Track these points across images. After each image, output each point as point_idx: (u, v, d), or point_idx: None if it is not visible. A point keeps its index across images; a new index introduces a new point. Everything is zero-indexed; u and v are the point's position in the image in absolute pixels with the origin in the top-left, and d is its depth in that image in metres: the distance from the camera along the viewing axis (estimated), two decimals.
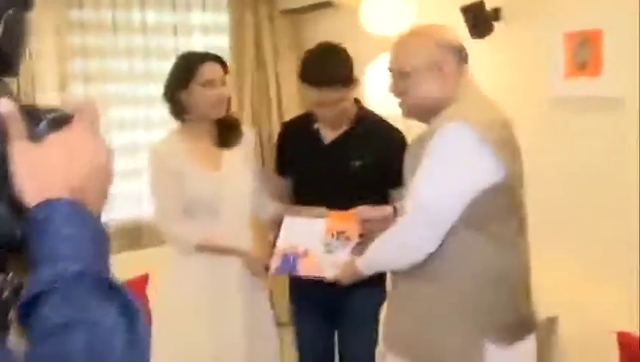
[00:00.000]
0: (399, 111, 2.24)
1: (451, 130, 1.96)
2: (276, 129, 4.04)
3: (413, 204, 2.01)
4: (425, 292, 2.07)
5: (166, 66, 3.92)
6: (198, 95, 2.52)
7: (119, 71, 3.95)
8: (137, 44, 4.00)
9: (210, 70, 2.53)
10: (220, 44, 4.17)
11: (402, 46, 2.14)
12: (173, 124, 3.93)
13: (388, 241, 2.11)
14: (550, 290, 2.55)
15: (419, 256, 2.01)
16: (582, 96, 2.70)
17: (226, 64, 2.62)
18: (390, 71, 2.17)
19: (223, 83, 2.56)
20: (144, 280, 3.22)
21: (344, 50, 2.60)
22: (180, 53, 3.92)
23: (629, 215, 2.56)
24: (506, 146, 2.01)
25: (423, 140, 2.06)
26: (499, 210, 2.02)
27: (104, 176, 0.83)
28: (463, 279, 2.02)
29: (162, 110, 3.91)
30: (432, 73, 2.08)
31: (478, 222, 2.00)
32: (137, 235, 3.93)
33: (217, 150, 2.62)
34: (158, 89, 3.92)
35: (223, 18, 4.20)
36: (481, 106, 2.07)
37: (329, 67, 2.50)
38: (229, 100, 2.61)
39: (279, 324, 3.04)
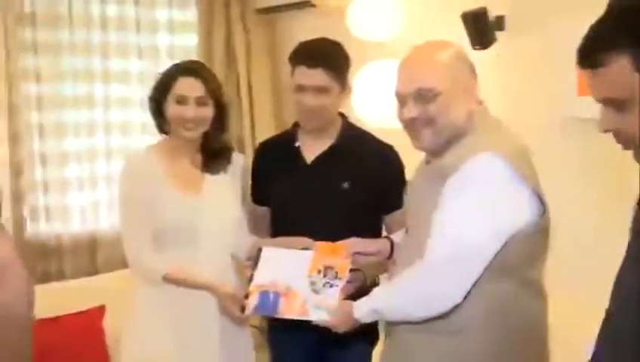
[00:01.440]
0: (390, 125, 1.96)
1: (483, 162, 1.71)
2: (247, 137, 3.77)
3: (441, 247, 1.74)
4: (440, 347, 1.82)
5: (126, 65, 3.70)
6: (169, 111, 2.31)
7: (75, 69, 3.58)
8: (96, 41, 3.64)
9: (183, 86, 2.29)
10: (187, 43, 3.87)
11: (425, 62, 1.84)
12: (136, 129, 3.69)
13: (407, 288, 1.83)
14: (568, 343, 2.26)
15: (445, 306, 1.75)
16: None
17: (211, 81, 2.34)
18: (405, 94, 1.84)
19: (200, 102, 2.29)
20: (100, 312, 2.89)
21: (341, 45, 2.39)
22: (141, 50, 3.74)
23: None
24: (536, 179, 1.75)
25: (440, 172, 1.79)
26: (533, 254, 1.79)
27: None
28: (490, 334, 1.77)
29: (122, 113, 3.69)
30: (460, 95, 1.80)
31: (510, 268, 1.76)
32: (93, 251, 3.56)
33: (199, 173, 2.37)
34: (118, 90, 3.68)
35: (191, 15, 3.87)
36: (504, 134, 1.83)
37: (319, 48, 2.34)
38: (218, 119, 2.35)
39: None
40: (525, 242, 1.75)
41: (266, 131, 3.71)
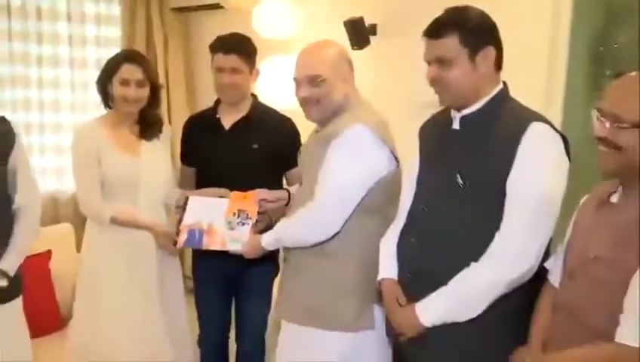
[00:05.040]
0: (286, 105, 2.49)
1: (356, 130, 2.22)
2: (164, 116, 4.15)
3: (326, 190, 2.24)
4: (324, 267, 2.29)
5: (57, 51, 3.99)
6: (114, 91, 2.67)
7: (12, 54, 3.85)
8: (32, 29, 3.91)
9: (126, 71, 2.66)
10: (112, 34, 4.18)
11: (315, 55, 2.34)
12: (66, 107, 4.00)
13: (300, 220, 2.31)
14: None
15: (327, 234, 2.25)
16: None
17: (148, 68, 2.72)
18: (300, 78, 2.33)
19: (140, 84, 2.67)
20: (47, 255, 3.25)
21: (250, 38, 2.87)
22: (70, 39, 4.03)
23: None
24: (392, 144, 2.31)
25: (325, 138, 2.28)
26: (390, 196, 2.29)
27: None
28: (360, 255, 2.27)
29: (53, 92, 3.98)
30: (340, 82, 2.32)
31: (374, 207, 2.26)
32: None
33: (137, 140, 2.75)
34: (48, 72, 3.97)
35: (116, 10, 4.19)
36: (371, 111, 2.35)
37: (233, 39, 2.82)
38: (152, 98, 2.75)
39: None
40: (384, 187, 2.27)
41: (180, 111, 4.12)
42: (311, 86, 2.31)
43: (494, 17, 2.02)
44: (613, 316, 1.56)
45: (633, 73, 1.64)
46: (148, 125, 2.79)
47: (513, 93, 2.07)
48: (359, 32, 3.27)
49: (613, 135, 1.62)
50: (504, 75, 2.06)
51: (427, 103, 3.06)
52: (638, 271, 1.52)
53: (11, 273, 2.34)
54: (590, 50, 2.90)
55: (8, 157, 2.38)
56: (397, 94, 3.27)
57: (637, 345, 1.50)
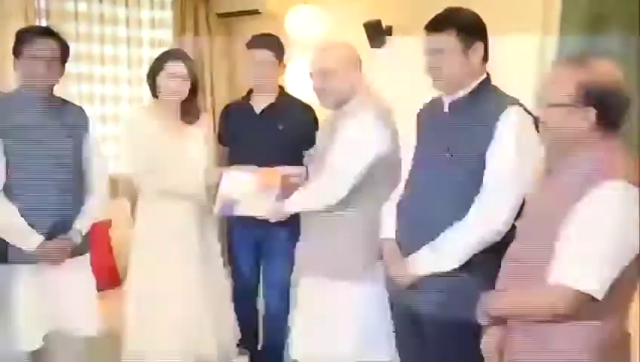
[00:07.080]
0: (310, 97, 2.79)
1: (361, 115, 2.56)
2: (208, 105, 4.56)
3: (333, 164, 2.58)
4: (335, 228, 2.63)
5: (117, 52, 4.38)
6: (162, 83, 3.00)
7: (78, 53, 4.20)
8: (95, 32, 4.31)
9: (172, 66, 3.00)
10: (164, 37, 4.55)
11: (326, 51, 2.68)
12: (125, 100, 4.37)
13: (313, 189, 2.68)
14: None
15: (335, 199, 2.60)
16: None
17: (190, 64, 3.06)
18: (313, 72, 2.66)
19: (184, 78, 3.00)
20: (108, 223, 3.69)
21: (278, 38, 3.24)
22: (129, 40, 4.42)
23: None
24: (394, 127, 2.62)
25: (336, 120, 2.63)
26: (391, 169, 2.58)
27: None
28: (366, 218, 2.59)
29: (114, 88, 4.38)
30: (346, 75, 2.64)
31: (377, 178, 2.58)
32: None
33: (180, 124, 3.08)
34: (109, 70, 4.35)
35: (167, 15, 4.55)
36: (377, 99, 2.68)
37: (265, 38, 3.19)
38: (192, 90, 3.07)
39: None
40: (386, 162, 2.58)
41: (222, 104, 4.40)
42: (323, 78, 2.63)
43: (490, 21, 2.28)
44: (546, 262, 1.80)
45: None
46: (188, 112, 3.09)
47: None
48: (377, 33, 3.59)
49: (543, 114, 1.91)
50: (498, 78, 2.31)
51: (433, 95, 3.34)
52: (562, 222, 1.77)
53: (84, 232, 2.80)
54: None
55: (83, 139, 2.80)
56: (409, 87, 3.52)
57: (564, 283, 1.74)
